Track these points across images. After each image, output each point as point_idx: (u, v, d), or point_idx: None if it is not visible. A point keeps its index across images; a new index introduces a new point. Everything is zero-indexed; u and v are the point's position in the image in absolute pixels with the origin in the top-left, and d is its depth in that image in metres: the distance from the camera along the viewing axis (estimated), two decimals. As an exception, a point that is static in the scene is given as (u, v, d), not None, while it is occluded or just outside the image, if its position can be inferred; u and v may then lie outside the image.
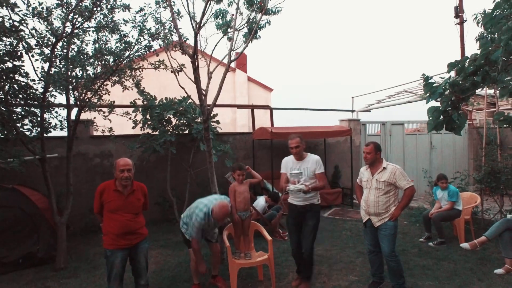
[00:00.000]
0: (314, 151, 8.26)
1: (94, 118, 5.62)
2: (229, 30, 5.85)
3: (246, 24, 6.14)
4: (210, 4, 4.66)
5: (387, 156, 8.91)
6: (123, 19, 4.76)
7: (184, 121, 6.47)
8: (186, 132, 6.62)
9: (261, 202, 5.83)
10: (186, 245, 3.82)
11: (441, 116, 2.32)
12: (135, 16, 4.85)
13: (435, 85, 2.34)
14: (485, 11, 2.56)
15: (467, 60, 2.22)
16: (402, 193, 3.48)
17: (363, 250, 4.90)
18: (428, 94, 2.38)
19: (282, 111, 13.57)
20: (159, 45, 5.34)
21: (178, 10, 4.71)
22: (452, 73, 2.30)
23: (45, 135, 4.69)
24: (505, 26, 1.87)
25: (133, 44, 4.93)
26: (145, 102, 6.31)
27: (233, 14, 5.81)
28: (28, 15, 4.03)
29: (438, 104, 2.40)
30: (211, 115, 6.81)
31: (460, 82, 2.23)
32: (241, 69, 14.92)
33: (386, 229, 3.48)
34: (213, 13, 5.28)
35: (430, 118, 2.36)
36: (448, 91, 2.26)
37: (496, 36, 2.05)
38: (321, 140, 8.29)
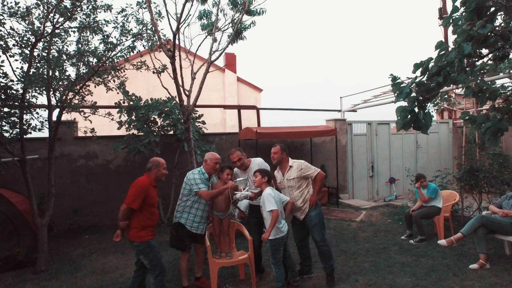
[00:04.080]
0: (300, 150, 8.33)
1: (74, 118, 5.58)
2: (216, 31, 5.88)
3: (231, 25, 6.18)
4: (191, 5, 4.68)
5: (373, 156, 9.03)
6: (104, 20, 4.73)
7: (169, 121, 6.48)
8: (171, 132, 6.62)
9: (245, 201, 5.84)
10: (175, 246, 3.79)
11: (409, 116, 2.38)
12: (116, 17, 4.84)
13: (402, 85, 2.40)
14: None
15: (432, 61, 2.29)
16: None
17: (345, 249, 4.97)
18: (396, 94, 2.45)
19: (272, 111, 13.65)
20: (143, 46, 5.34)
21: (159, 11, 4.72)
22: (418, 73, 2.37)
23: (26, 136, 4.65)
24: (459, 29, 1.94)
25: (116, 44, 4.91)
26: (130, 103, 6.29)
27: (217, 15, 5.85)
28: (4, 14, 3.99)
29: (406, 103, 2.46)
30: (197, 115, 6.85)
31: (425, 82, 2.29)
32: (230, 70, 14.94)
33: (311, 221, 3.74)
34: (192, 14, 5.28)
35: (399, 117, 2.43)
36: (414, 91, 2.33)
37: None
38: (307, 140, 8.36)
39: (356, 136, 8.94)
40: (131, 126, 6.27)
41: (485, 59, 2.60)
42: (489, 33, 1.89)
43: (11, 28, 4.20)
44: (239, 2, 6.20)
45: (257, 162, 3.89)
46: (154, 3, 4.52)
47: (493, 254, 4.42)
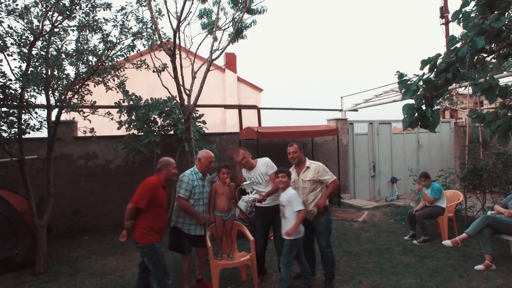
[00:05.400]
0: (301, 150, 8.26)
1: (73, 118, 5.51)
2: (216, 29, 5.82)
3: (231, 24, 6.12)
4: (191, 3, 4.62)
5: (375, 156, 8.96)
6: (104, 18, 4.67)
7: (170, 121, 6.42)
8: (171, 132, 6.56)
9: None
10: (175, 249, 3.72)
11: (416, 114, 2.32)
12: (116, 15, 4.77)
13: (409, 82, 2.35)
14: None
15: (440, 57, 2.24)
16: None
17: (348, 249, 4.91)
18: (403, 91, 2.39)
19: (273, 111, 13.59)
20: (143, 45, 5.27)
21: (159, 9, 4.65)
22: (426, 70, 2.31)
23: (25, 136, 4.58)
24: (471, 23, 1.89)
25: (116, 43, 4.85)
26: (130, 103, 6.22)
27: (218, 14, 5.79)
28: (2, 12, 3.93)
29: (413, 101, 2.40)
30: (197, 115, 6.79)
31: (433, 79, 2.24)
32: (230, 69, 14.89)
33: (320, 225, 3.67)
34: (192, 12, 5.23)
35: (405, 115, 2.37)
36: (422, 88, 2.27)
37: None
38: (308, 139, 8.30)
39: (358, 135, 8.88)
40: (131, 126, 6.21)
41: (489, 57, 2.55)
42: (504, 27, 1.83)
43: (9, 27, 4.14)
44: (240, 1, 6.14)
45: (264, 162, 3.82)
46: (154, 0, 4.46)
47: (498, 255, 4.36)
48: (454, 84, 6.29)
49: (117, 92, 5.57)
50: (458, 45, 2.04)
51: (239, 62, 16.58)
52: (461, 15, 2.05)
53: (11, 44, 4.18)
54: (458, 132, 9.89)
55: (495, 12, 1.85)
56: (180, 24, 4.20)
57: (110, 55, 4.87)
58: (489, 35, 1.87)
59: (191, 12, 4.46)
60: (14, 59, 4.34)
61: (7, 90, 4.30)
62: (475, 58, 2.09)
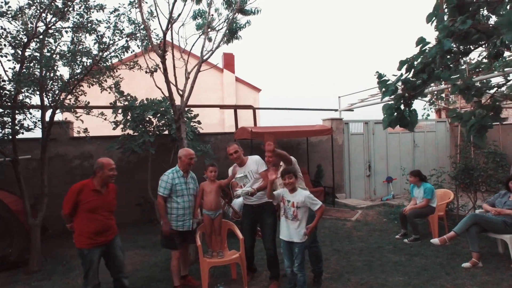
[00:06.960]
0: (296, 150, 8.31)
1: (65, 118, 5.56)
2: (208, 30, 5.87)
3: (225, 24, 6.17)
4: (184, 4, 4.67)
5: (370, 155, 8.99)
6: (96, 19, 4.73)
7: (164, 121, 6.47)
8: (166, 132, 6.61)
9: (238, 200, 5.81)
10: (167, 246, 3.78)
11: (395, 113, 2.37)
12: (109, 17, 4.83)
13: (388, 82, 2.39)
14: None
15: (419, 58, 2.28)
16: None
17: (339, 248, 4.96)
18: (382, 91, 2.44)
19: (271, 111, 13.62)
20: (137, 46, 5.32)
21: (151, 10, 4.71)
22: (404, 70, 2.35)
23: (21, 136, 4.64)
24: (440, 25, 1.94)
25: (109, 44, 4.90)
26: (125, 103, 6.27)
27: (212, 14, 5.84)
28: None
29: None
30: (192, 115, 6.84)
31: (411, 79, 2.29)
32: (228, 70, 14.94)
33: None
34: (187, 13, 5.28)
35: (385, 115, 2.42)
36: (400, 88, 2.32)
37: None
38: (303, 139, 8.34)
39: (353, 135, 8.91)
40: (126, 126, 6.27)
41: (480, 58, 2.59)
42: (472, 29, 1.88)
43: (2, 28, 4.20)
44: (233, 2, 6.19)
45: (255, 160, 3.87)
46: (146, 2, 4.52)
47: (486, 253, 4.40)
48: (447, 84, 6.30)
49: (109, 93, 5.62)
50: (431, 45, 2.09)
51: (237, 62, 16.65)
52: (434, 17, 2.10)
53: (4, 45, 4.24)
54: (453, 131, 9.92)
55: (464, 15, 1.89)
56: (171, 24, 4.25)
57: (104, 56, 4.93)
58: (457, 37, 1.92)
59: (181, 14, 4.50)
60: (9, 60, 4.41)
61: (1, 91, 4.36)
62: (452, 59, 2.14)
